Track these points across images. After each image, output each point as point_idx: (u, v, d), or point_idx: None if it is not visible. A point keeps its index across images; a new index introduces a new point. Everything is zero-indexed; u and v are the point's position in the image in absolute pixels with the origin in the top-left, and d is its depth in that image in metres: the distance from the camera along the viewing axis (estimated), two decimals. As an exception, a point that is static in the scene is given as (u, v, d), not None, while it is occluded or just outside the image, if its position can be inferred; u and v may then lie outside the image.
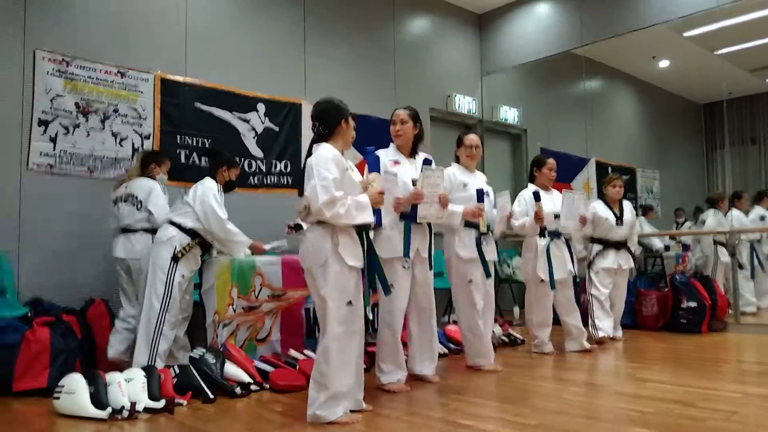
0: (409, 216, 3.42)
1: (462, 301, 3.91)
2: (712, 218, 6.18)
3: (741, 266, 6.05)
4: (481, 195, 3.84)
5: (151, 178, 4.23)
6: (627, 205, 5.13)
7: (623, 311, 5.26)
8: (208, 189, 3.90)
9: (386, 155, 3.50)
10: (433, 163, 3.51)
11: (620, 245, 5.05)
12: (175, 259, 3.77)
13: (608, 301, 5.01)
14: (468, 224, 3.84)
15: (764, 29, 6.31)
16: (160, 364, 3.58)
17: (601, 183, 7.09)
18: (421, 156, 3.60)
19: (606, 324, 4.93)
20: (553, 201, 4.55)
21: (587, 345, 4.57)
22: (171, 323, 3.73)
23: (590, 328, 4.90)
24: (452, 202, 3.68)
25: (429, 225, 3.58)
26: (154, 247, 3.85)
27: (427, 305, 3.61)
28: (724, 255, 6.05)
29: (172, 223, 3.86)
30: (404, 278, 3.46)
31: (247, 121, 5.44)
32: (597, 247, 5.08)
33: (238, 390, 3.31)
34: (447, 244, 3.95)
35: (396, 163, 3.52)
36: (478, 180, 4.05)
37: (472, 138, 4.07)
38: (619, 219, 5.02)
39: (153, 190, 4.12)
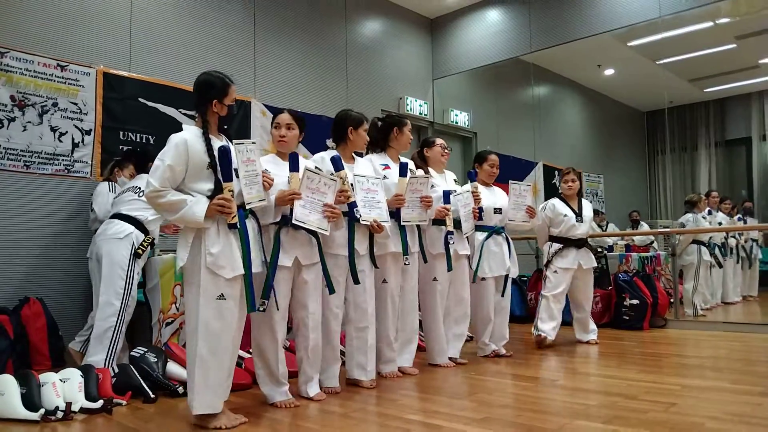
0: (396, 217, 3.56)
1: (426, 298, 3.99)
2: (692, 221, 6.29)
3: (719, 264, 6.39)
4: (447, 196, 3.91)
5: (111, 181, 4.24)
6: (585, 203, 4.93)
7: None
8: None
9: (378, 160, 3.69)
10: (409, 167, 3.69)
11: (581, 243, 4.79)
12: (136, 255, 3.65)
13: (558, 302, 4.72)
14: (436, 222, 3.94)
15: (703, 41, 6.58)
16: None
17: (548, 186, 7.29)
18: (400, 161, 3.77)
19: (548, 326, 4.65)
20: (494, 195, 4.41)
21: (503, 351, 4.32)
22: (126, 322, 3.61)
23: (532, 327, 4.75)
24: None
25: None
26: (110, 244, 3.66)
27: (412, 298, 3.81)
28: (706, 255, 6.27)
29: (128, 219, 3.73)
30: (395, 273, 3.65)
31: (194, 117, 5.29)
32: (556, 246, 4.79)
33: (180, 389, 3.19)
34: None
35: (387, 167, 3.67)
36: (447, 180, 4.17)
37: (442, 141, 4.22)
38: (579, 216, 4.79)
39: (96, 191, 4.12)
